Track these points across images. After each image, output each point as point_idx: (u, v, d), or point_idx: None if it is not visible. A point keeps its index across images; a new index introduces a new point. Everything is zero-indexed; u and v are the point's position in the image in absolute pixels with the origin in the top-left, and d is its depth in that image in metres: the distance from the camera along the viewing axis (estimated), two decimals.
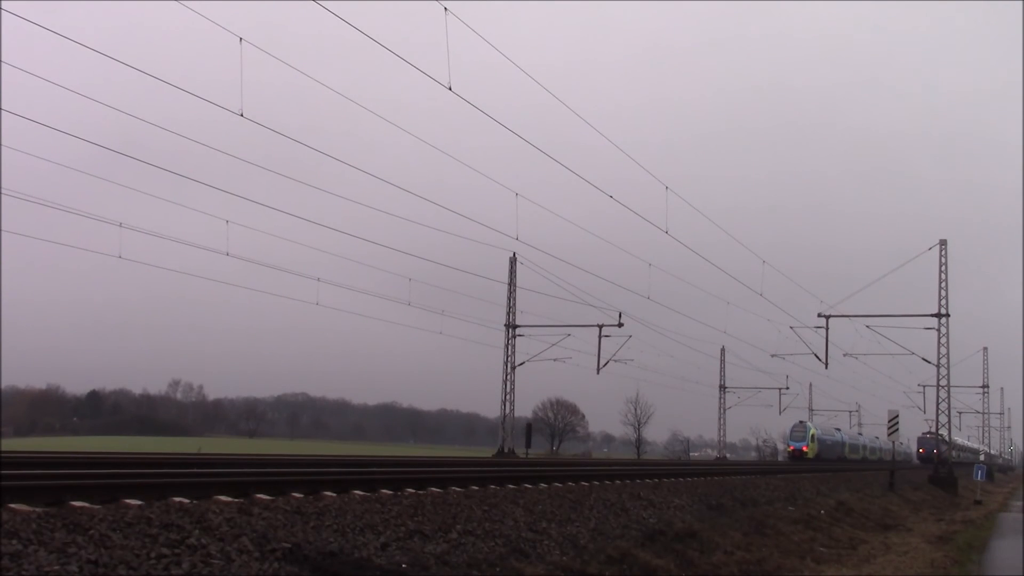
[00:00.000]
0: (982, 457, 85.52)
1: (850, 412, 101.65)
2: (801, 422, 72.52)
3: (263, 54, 18.76)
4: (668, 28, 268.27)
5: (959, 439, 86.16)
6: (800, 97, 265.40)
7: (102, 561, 6.83)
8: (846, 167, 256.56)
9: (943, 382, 46.94)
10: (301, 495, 10.85)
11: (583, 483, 17.66)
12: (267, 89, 51.13)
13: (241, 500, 9.83)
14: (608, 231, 43.32)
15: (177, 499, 9.25)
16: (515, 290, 49.71)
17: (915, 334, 50.67)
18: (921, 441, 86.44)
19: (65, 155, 27.33)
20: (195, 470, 12.94)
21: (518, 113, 34.70)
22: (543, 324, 49.17)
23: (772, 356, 53.53)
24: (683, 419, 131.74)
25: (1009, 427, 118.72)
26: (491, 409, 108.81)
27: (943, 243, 46.08)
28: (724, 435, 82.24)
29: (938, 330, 45.98)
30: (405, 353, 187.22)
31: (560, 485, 16.67)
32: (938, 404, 47.79)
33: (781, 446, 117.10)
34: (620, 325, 46.66)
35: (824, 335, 45.29)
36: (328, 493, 11.29)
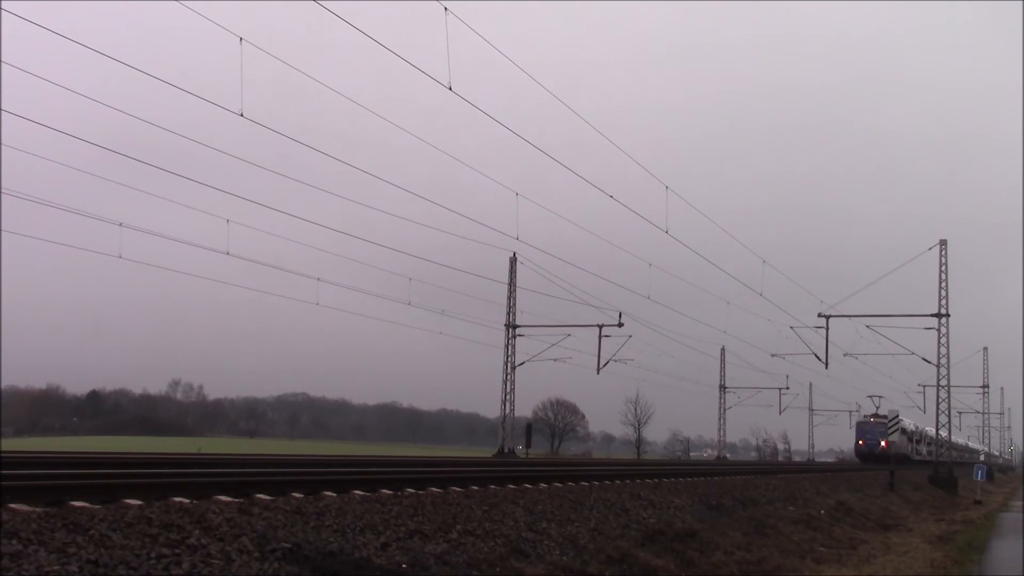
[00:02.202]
0: (982, 457, 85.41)
1: (850, 412, 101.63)
2: None
3: (263, 54, 18.80)
4: (669, 28, 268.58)
5: (927, 428, 71.17)
6: (801, 97, 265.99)
7: (102, 561, 6.83)
8: (847, 167, 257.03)
9: (943, 382, 46.97)
10: (301, 495, 10.84)
11: (583, 483, 17.66)
12: (267, 89, 51.13)
13: (241, 500, 9.82)
14: (608, 231, 43.35)
15: (177, 499, 9.24)
16: (515, 290, 49.73)
17: (915, 334, 50.72)
18: (861, 428, 67.45)
19: (65, 155, 27.35)
20: (195, 470, 12.94)
21: (518, 113, 34.71)
22: (543, 324, 49.24)
23: (772, 356, 53.78)
24: (683, 419, 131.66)
25: (1009, 427, 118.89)
26: (491, 409, 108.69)
27: (943, 243, 46.09)
28: (724, 435, 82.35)
29: (938, 330, 46.00)
30: (405, 353, 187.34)
31: (560, 485, 16.67)
32: (938, 404, 47.84)
33: (781, 446, 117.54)
34: (620, 325, 46.70)
35: (824, 335, 45.39)
36: (328, 493, 11.28)
